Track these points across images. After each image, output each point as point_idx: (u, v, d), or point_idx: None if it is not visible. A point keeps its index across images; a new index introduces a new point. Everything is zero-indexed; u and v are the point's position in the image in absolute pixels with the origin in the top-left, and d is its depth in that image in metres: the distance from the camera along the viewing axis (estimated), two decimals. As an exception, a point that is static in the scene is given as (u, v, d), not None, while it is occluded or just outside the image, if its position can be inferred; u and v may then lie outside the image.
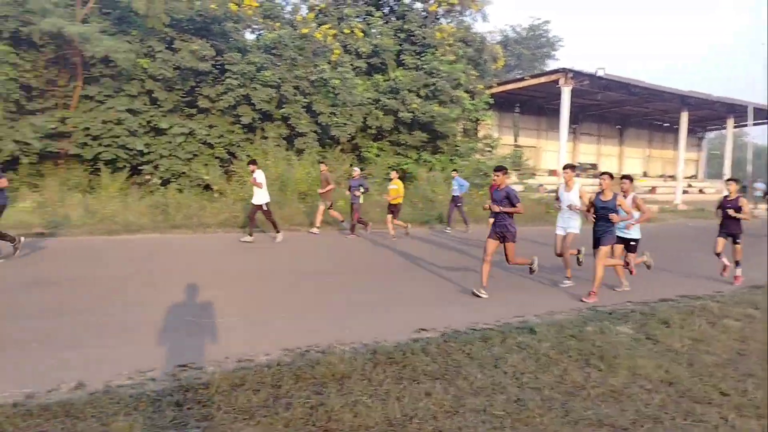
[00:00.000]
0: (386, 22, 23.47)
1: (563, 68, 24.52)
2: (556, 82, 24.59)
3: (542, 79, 25.93)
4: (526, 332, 5.76)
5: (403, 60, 22.45)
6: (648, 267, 9.03)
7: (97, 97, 16.89)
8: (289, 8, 23.16)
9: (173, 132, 17.41)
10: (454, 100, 21.94)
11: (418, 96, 21.47)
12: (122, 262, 9.64)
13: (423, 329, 5.91)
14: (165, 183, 17.21)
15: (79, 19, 16.05)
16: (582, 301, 7.56)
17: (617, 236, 8.18)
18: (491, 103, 24.56)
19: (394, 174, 14.21)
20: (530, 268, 8.05)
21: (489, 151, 24.82)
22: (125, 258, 10.00)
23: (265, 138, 18.66)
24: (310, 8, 22.66)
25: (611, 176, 7.83)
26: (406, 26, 23.03)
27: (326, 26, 20.68)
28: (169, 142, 17.50)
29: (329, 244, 12.49)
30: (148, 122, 17.42)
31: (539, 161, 33.96)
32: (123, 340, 5.37)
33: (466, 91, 22.79)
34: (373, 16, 22.85)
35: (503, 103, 30.18)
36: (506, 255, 7.73)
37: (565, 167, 8.96)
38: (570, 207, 8.56)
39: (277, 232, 12.41)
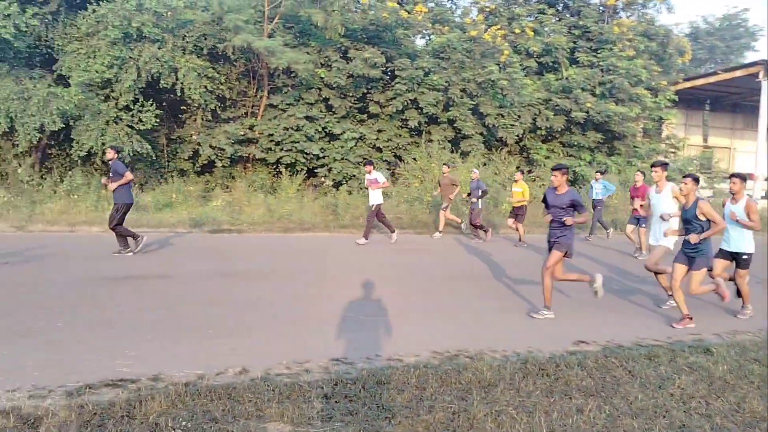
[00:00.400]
0: (559, 20, 22.60)
1: (763, 60, 21.75)
2: (755, 75, 21.88)
3: (737, 73, 23.17)
4: (701, 352, 5.18)
5: (577, 58, 21.46)
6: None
7: (280, 105, 18.32)
8: (458, 12, 23.30)
9: (345, 137, 18.31)
10: (634, 98, 20.46)
11: (593, 94, 20.38)
12: (293, 258, 10.34)
13: (582, 341, 5.57)
14: (337, 185, 18.15)
15: (266, 34, 17.50)
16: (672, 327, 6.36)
17: (722, 249, 6.97)
18: (676, 100, 22.53)
19: (518, 175, 13.35)
20: (594, 289, 6.85)
21: (673, 152, 22.82)
22: (296, 254, 10.71)
23: (431, 141, 18.89)
24: (480, 10, 22.54)
25: (695, 180, 6.55)
26: (581, 22, 22.00)
27: (495, 27, 20.42)
28: (341, 146, 18.43)
29: (479, 248, 12.28)
30: (324, 128, 18.50)
31: (732, 164, 30.40)
32: (287, 331, 5.75)
33: (647, 89, 21.14)
34: (545, 14, 22.14)
35: (691, 101, 27.54)
36: (546, 261, 6.71)
37: (654, 165, 7.61)
38: (662, 217, 7.36)
39: (366, 238, 12.15)
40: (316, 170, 18.64)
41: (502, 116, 19.54)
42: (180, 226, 13.31)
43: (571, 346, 5.42)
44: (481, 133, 19.77)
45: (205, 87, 16.78)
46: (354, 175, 18.15)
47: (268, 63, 17.11)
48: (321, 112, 18.60)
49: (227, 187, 17.48)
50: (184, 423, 3.54)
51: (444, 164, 15.05)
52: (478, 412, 3.76)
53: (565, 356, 5.00)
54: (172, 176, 17.42)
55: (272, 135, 17.93)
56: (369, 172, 12.32)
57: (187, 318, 6.09)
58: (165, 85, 16.27)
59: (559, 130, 20.64)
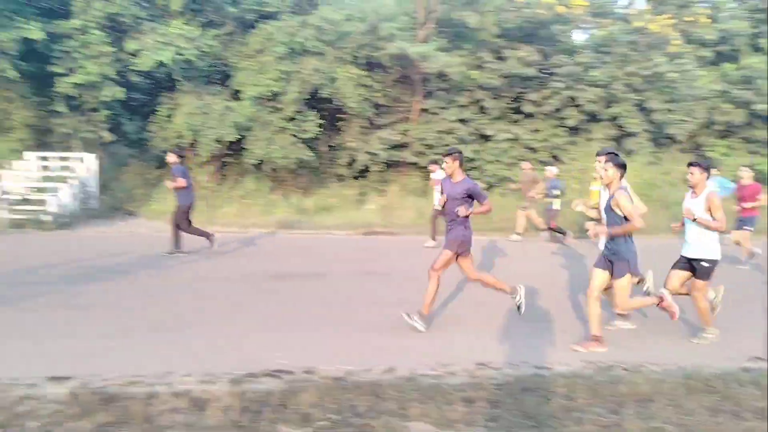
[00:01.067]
0: (740, 3, 20.41)
1: None
2: None
3: None
4: None
5: (760, 44, 19.21)
6: (712, 309, 5.79)
7: (432, 109, 18.54)
8: (623, 2, 21.91)
9: (498, 138, 18.06)
10: (834, 85, 17.89)
11: (780, 84, 18.13)
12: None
13: (758, 358, 4.97)
14: (489, 187, 17.93)
15: (420, 40, 17.80)
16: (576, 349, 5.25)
17: (682, 256, 5.75)
18: None
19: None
20: (516, 304, 6.02)
21: None
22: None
23: (590, 140, 17.98)
24: (647, -1, 21.04)
25: (620, 166, 5.23)
26: (763, 5, 19.67)
27: (664, 16, 18.92)
28: (495, 147, 18.20)
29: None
30: (477, 130, 18.39)
31: None
32: (435, 332, 5.77)
33: None
34: (722, -2, 20.13)
35: None
36: (463, 270, 6.04)
37: (598, 154, 6.21)
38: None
39: (433, 239, 11.79)
40: (468, 173, 18.55)
41: (672, 111, 18.06)
42: (336, 229, 13.99)
43: (745, 362, 4.85)
44: (648, 130, 18.43)
45: (362, 95, 17.44)
46: (507, 177, 17.83)
47: (422, 68, 17.39)
48: (474, 114, 18.52)
49: (382, 191, 18.04)
50: (331, 416, 3.70)
51: (524, 161, 14.31)
52: (632, 428, 3.51)
53: (736, 373, 4.49)
54: (331, 181, 18.35)
55: (424, 139, 18.19)
56: (433, 171, 11.95)
57: (341, 315, 6.38)
58: (325, 95, 17.17)
59: (740, 124, 18.63)
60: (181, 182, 9.77)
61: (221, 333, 5.64)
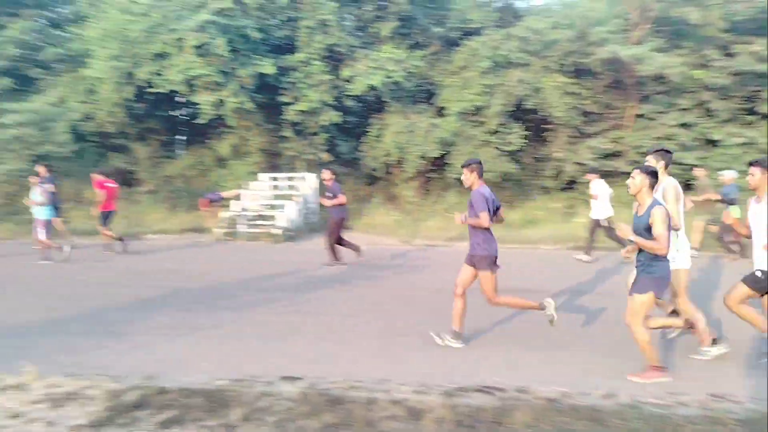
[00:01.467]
0: None
1: None
2: None
3: None
4: None
5: None
6: None
7: (648, 114, 17.22)
8: None
9: (728, 143, 16.13)
10: None
11: None
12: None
13: None
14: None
15: (633, 42, 16.67)
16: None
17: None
18: None
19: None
20: (549, 317, 5.73)
21: None
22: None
23: None
24: None
25: (650, 173, 4.75)
26: None
27: None
28: (724, 153, 16.27)
29: None
30: (701, 135, 16.66)
31: None
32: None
33: None
34: None
35: None
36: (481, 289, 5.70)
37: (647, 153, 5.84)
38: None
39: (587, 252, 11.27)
40: (690, 182, 16.84)
41: None
42: (543, 243, 13.58)
43: None
44: None
45: (569, 104, 16.80)
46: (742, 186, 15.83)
47: (636, 71, 16.27)
48: (698, 117, 16.80)
49: (592, 203, 17.13)
50: (549, 438, 3.57)
51: (699, 167, 12.92)
52: None
53: None
54: (537, 194, 17.90)
55: (640, 147, 16.89)
56: (591, 180, 11.17)
57: (553, 332, 6.14)
58: (530, 106, 16.85)
59: None
60: (342, 199, 10.59)
61: (432, 343, 5.77)
